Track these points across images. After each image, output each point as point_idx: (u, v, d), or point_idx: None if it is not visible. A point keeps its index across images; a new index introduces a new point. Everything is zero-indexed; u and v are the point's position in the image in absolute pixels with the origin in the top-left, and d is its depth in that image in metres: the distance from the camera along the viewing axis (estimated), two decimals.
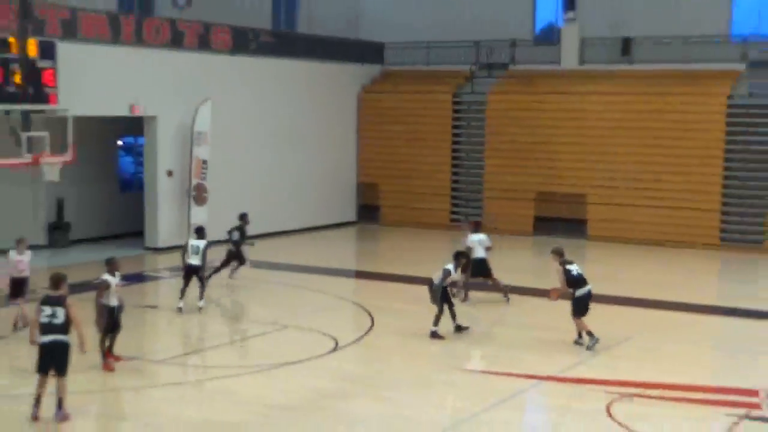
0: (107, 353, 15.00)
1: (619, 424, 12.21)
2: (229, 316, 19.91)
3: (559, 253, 17.33)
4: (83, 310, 12.46)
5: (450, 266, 17.50)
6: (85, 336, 12.12)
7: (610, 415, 12.58)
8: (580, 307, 16.76)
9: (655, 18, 31.25)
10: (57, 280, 12.35)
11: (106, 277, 15.01)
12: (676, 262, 26.02)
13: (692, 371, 15.18)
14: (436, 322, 17.11)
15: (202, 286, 19.40)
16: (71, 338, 11.82)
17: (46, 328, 11.82)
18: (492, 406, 13.20)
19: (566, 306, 18.97)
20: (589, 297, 16.79)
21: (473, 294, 20.52)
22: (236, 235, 21.29)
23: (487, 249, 20.64)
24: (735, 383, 14.28)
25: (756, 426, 12.37)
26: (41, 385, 11.78)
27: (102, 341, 14.93)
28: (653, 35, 30.91)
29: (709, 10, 30.99)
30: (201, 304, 19.37)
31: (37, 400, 11.79)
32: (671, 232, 28.26)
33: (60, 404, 11.93)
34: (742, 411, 12.80)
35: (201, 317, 19.62)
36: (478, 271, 20.30)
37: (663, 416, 12.56)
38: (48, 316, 11.82)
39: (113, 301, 15.04)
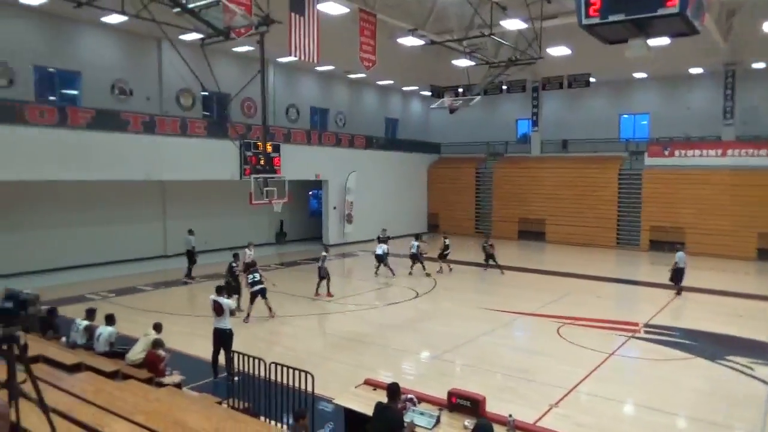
0: (327, 293, 16.08)
1: (564, 338, 12.24)
2: (365, 280, 20.01)
3: (444, 236, 20.47)
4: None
5: (416, 243, 19.65)
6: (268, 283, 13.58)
7: (559, 334, 12.59)
8: (441, 256, 19.82)
9: (581, 128, 30.74)
10: (254, 263, 14.09)
11: (324, 253, 15.91)
12: (593, 255, 25.50)
13: (601, 312, 14.98)
14: (423, 267, 19.49)
15: (387, 266, 19.35)
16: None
17: (253, 283, 13.06)
18: (497, 328, 13.38)
19: (529, 277, 18.85)
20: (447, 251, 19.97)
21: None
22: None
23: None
24: (625, 319, 14.12)
25: (637, 342, 12.29)
26: (250, 308, 13.12)
27: (320, 285, 16.18)
28: (580, 138, 30.42)
29: (608, 125, 30.41)
30: (391, 275, 19.26)
31: (248, 315, 13.08)
32: (591, 238, 27.67)
33: (270, 310, 13.42)
34: (629, 334, 12.68)
35: (351, 279, 19.75)
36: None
37: (586, 335, 12.63)
38: (253, 276, 13.19)
39: (321, 264, 15.86)
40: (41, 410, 2.90)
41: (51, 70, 20.07)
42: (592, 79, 27.50)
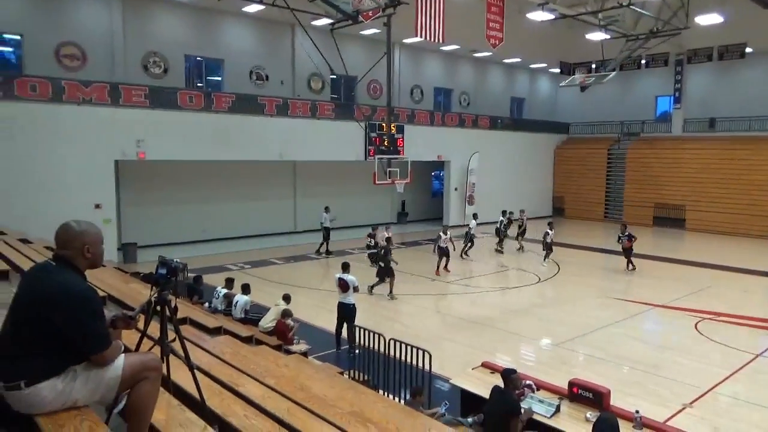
0: (444, 268, 16.65)
1: (702, 334, 11.32)
2: (485, 263, 19.75)
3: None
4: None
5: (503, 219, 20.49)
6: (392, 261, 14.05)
7: (696, 329, 11.65)
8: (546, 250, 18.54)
9: (732, 105, 27.61)
10: (388, 240, 14.29)
11: (441, 234, 16.25)
12: (741, 245, 23.03)
13: (748, 308, 13.43)
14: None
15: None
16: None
17: (375, 259, 13.35)
18: (626, 318, 12.68)
19: (664, 266, 17.49)
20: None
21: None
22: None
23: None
24: None
25: None
26: (379, 284, 13.65)
27: (440, 263, 16.63)
28: (729, 116, 27.41)
29: (767, 101, 26.88)
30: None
31: (373, 287, 13.66)
32: (740, 227, 25.03)
33: (391, 290, 13.67)
34: None
35: (472, 261, 19.51)
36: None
37: (728, 333, 11.51)
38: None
39: (443, 244, 16.15)
40: (187, 366, 3.22)
41: (198, 58, 21.90)
42: (747, 50, 24.61)
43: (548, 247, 18.51)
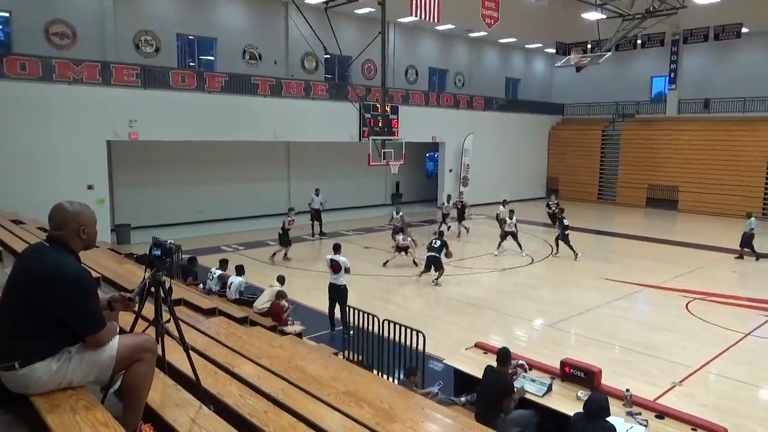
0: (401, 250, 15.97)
1: (693, 314, 11.41)
2: (476, 244, 19.74)
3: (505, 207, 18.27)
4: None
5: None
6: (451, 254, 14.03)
7: (687, 309, 11.75)
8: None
9: (727, 86, 27.53)
10: (440, 234, 14.11)
11: (393, 213, 16.32)
12: (733, 226, 23.04)
13: (738, 288, 13.61)
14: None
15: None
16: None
17: (431, 249, 13.34)
18: (618, 299, 12.74)
19: (656, 247, 17.53)
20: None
21: None
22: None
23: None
24: (766, 297, 12.72)
25: None
26: (424, 273, 13.42)
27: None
28: (725, 96, 27.32)
29: (762, 81, 26.79)
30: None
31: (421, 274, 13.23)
32: (732, 208, 25.06)
33: (438, 279, 13.33)
34: None
35: (469, 243, 19.60)
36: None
37: (720, 313, 11.58)
38: (433, 244, 13.35)
39: (397, 224, 16.39)
40: (182, 347, 3.23)
41: (191, 37, 21.60)
42: (744, 30, 24.48)
43: (504, 235, 17.06)
